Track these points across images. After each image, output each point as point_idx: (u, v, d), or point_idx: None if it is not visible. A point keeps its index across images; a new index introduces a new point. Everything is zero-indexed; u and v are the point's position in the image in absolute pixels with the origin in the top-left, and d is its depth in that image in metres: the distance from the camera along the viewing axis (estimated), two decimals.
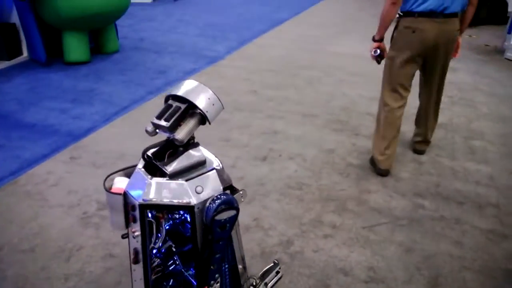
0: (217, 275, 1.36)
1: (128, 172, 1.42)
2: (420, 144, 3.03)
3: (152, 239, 1.34)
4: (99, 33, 4.91)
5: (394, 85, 2.62)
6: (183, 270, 1.46)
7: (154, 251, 1.40)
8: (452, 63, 4.28)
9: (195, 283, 1.41)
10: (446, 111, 3.75)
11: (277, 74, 4.57)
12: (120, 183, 1.38)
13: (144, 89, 4.04)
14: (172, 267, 1.47)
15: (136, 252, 1.36)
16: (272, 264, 1.73)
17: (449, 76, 4.68)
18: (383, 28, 2.52)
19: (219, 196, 1.25)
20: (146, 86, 4.12)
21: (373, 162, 2.79)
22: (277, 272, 1.70)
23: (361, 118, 3.58)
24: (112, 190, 1.36)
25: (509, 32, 5.45)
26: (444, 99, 3.97)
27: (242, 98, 3.87)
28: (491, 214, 2.42)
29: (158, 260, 1.44)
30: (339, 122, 3.51)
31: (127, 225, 1.36)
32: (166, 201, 1.25)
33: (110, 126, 3.39)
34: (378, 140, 2.73)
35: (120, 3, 4.66)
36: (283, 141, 3.19)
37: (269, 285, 1.64)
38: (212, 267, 1.32)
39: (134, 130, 3.25)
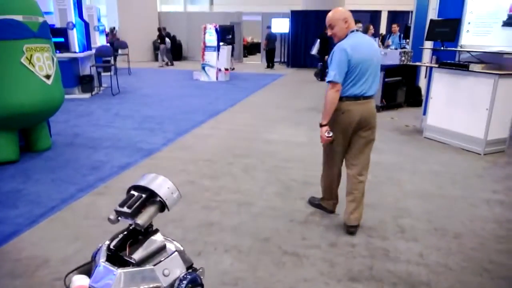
0: None
1: (83, 270, 1.49)
2: (352, 227, 3.15)
3: None
4: (29, 131, 4.78)
5: (336, 156, 3.15)
6: None
7: None
8: (377, 144, 4.51)
9: None
10: (374, 192, 3.94)
11: (214, 163, 4.64)
12: (79, 280, 1.41)
13: (74, 187, 3.87)
14: None
15: None
16: None
17: (375, 157, 5.02)
18: (328, 114, 2.92)
19: (185, 276, 1.39)
20: (77, 184, 3.96)
21: (321, 207, 3.45)
22: None
23: (295, 204, 3.65)
24: None
25: (424, 114, 6.09)
26: (371, 179, 4.25)
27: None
28: None
29: None
30: (274, 209, 3.54)
31: None
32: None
33: (35, 229, 3.13)
34: (327, 196, 3.37)
35: (53, 102, 4.64)
36: (219, 233, 3.13)
37: None
38: None
39: (61, 232, 3.04)
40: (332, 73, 2.85)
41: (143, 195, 1.44)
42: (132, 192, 1.47)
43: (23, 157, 4.63)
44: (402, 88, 7.94)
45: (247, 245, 2.96)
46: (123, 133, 5.89)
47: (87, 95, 8.71)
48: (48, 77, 4.56)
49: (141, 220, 1.38)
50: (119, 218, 1.42)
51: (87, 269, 1.47)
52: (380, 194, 3.89)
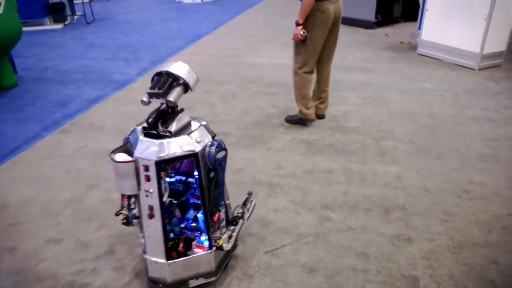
0: (223, 202, 1.79)
1: (122, 149, 1.68)
2: (321, 109, 3.61)
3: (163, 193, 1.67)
4: None
5: (311, 55, 3.24)
6: (176, 223, 1.85)
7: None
8: (367, 64, 4.70)
9: (188, 233, 1.86)
10: (359, 114, 3.74)
11: (190, 92, 4.37)
12: (121, 157, 1.61)
13: (40, 125, 3.68)
14: (173, 219, 1.84)
15: (151, 208, 1.66)
16: (248, 195, 2.05)
17: (364, 77, 4.77)
18: (305, 13, 3.05)
19: (213, 142, 1.68)
20: (43, 122, 3.76)
21: (301, 121, 3.51)
22: (252, 201, 2.04)
23: (274, 131, 3.47)
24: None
25: (419, 28, 5.66)
26: (357, 101, 4.03)
27: None
28: (397, 217, 2.36)
29: (165, 214, 1.72)
30: (251, 138, 3.37)
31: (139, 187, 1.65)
32: (177, 152, 1.60)
33: None
34: (305, 104, 3.42)
35: (6, 34, 4.22)
36: None
37: (250, 210, 2.00)
38: (219, 196, 1.75)
39: (22, 174, 2.91)
40: None
41: (169, 79, 1.63)
42: (158, 77, 1.65)
43: None
44: (399, 1, 7.34)
45: None
46: (96, 64, 5.55)
47: (59, 26, 8.13)
48: None
49: (172, 97, 1.60)
50: (151, 99, 1.63)
51: (124, 149, 1.67)
52: (365, 116, 3.69)
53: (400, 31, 6.92)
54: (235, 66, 5.26)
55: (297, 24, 3.10)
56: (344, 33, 7.07)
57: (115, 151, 1.66)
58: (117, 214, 1.84)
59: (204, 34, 7.06)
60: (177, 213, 1.84)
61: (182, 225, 1.86)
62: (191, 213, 1.87)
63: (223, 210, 1.79)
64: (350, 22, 7.39)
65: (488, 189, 2.61)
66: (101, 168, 2.94)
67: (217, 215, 1.76)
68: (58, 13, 8.20)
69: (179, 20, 8.44)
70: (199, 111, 3.91)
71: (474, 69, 4.85)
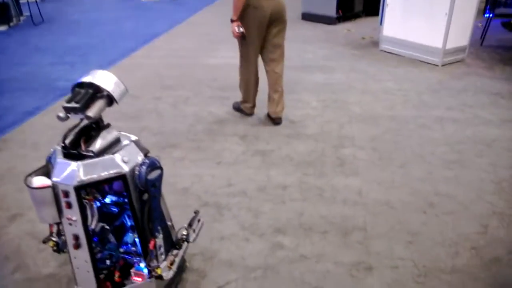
0: (159, 227, 1.58)
1: (39, 173, 1.48)
2: (276, 112, 3.39)
3: (88, 221, 1.48)
4: None
5: (252, 53, 3.18)
6: (114, 247, 1.64)
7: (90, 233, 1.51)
8: (328, 62, 4.63)
9: (129, 258, 1.65)
10: (318, 118, 3.49)
11: (137, 100, 4.00)
12: (39, 181, 1.41)
13: None
14: (107, 245, 1.63)
15: (76, 237, 1.47)
16: (194, 213, 1.84)
17: (324, 77, 4.52)
18: (238, 9, 2.98)
19: (144, 162, 1.48)
20: None
21: (239, 109, 3.58)
22: (199, 220, 1.83)
23: (226, 141, 3.16)
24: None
25: (381, 24, 5.47)
26: (316, 104, 3.78)
27: None
28: (356, 240, 2.11)
29: (96, 241, 1.57)
30: (201, 150, 3.05)
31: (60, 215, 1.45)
32: (101, 175, 1.40)
33: None
34: (246, 98, 3.46)
35: None
36: None
37: (196, 231, 1.79)
38: (154, 221, 1.55)
39: None
40: None
41: (90, 90, 1.44)
42: (77, 89, 1.45)
43: None
44: None
45: None
46: (39, 70, 5.06)
47: (3, 27, 7.50)
48: None
49: (92, 112, 1.40)
50: (69, 114, 1.42)
51: (44, 172, 1.49)
52: (324, 121, 3.44)
53: (362, 27, 6.73)
54: (189, 68, 4.91)
55: (232, 21, 3.06)
56: (304, 29, 6.88)
57: (33, 174, 1.47)
58: (45, 242, 1.64)
59: (159, 33, 6.64)
60: (112, 238, 1.63)
61: (122, 250, 1.66)
62: (129, 236, 1.67)
63: (161, 236, 1.58)
64: (311, 17, 7.17)
65: (455, 201, 2.40)
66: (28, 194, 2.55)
67: (152, 242, 1.55)
68: (1, 14, 7.56)
69: (134, 19, 7.97)
70: (146, 121, 3.55)
71: (437, 65, 4.70)
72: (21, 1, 8.36)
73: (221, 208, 2.40)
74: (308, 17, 7.24)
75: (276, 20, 3.09)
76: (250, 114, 3.56)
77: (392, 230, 2.18)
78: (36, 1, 8.25)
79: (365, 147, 3.01)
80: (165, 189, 2.58)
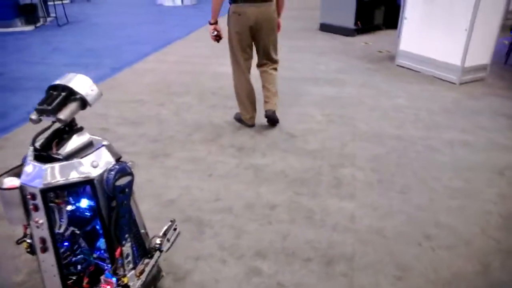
0: (127, 235, 1.53)
1: (13, 173, 1.46)
2: (269, 111, 3.35)
3: (56, 224, 1.45)
4: None
5: (239, 59, 3.21)
6: (88, 252, 1.60)
7: (58, 237, 1.48)
8: (340, 75, 4.53)
9: (102, 264, 1.61)
10: (320, 134, 3.34)
11: (143, 104, 3.97)
12: (10, 181, 1.40)
13: None
14: (78, 251, 1.59)
15: (43, 240, 1.44)
16: (170, 222, 1.81)
17: (333, 91, 4.38)
18: (215, 13, 3.08)
19: (113, 167, 1.43)
20: None
21: (240, 120, 3.49)
22: (175, 229, 1.81)
23: (222, 153, 3.06)
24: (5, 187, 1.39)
25: (398, 36, 5.28)
26: (321, 118, 3.64)
27: None
28: (340, 272, 1.95)
29: (65, 246, 1.54)
30: (194, 161, 2.96)
31: (28, 218, 1.43)
32: (68, 179, 1.37)
33: None
34: (242, 109, 3.40)
35: None
36: None
37: (171, 240, 1.77)
38: (122, 228, 1.49)
39: None
40: None
41: (63, 93, 1.43)
42: (51, 91, 1.44)
43: None
44: (381, 8, 6.97)
45: (144, 208, 2.41)
46: (53, 70, 5.12)
47: (30, 27, 7.73)
48: None
49: (63, 115, 1.39)
50: (41, 117, 1.41)
51: (18, 172, 1.45)
52: (327, 137, 3.29)
53: (380, 40, 6.54)
54: (199, 75, 4.86)
55: (210, 23, 3.16)
56: (321, 40, 6.74)
57: (5, 174, 1.45)
58: (18, 243, 1.62)
59: (175, 39, 6.65)
60: (83, 243, 1.60)
61: (95, 255, 1.63)
62: (103, 242, 1.60)
63: (129, 245, 1.55)
64: (329, 29, 7.03)
65: (456, 234, 2.21)
66: None
67: (118, 250, 1.51)
68: (29, 15, 7.79)
69: (153, 23, 8.05)
70: (146, 127, 3.50)
71: (455, 83, 4.47)
72: (49, 3, 8.61)
73: (203, 225, 2.29)
74: (326, 28, 7.11)
75: (263, 28, 3.10)
76: (250, 125, 3.46)
77: (381, 262, 2.02)
78: (62, 3, 8.46)
79: (365, 167, 2.85)
80: (150, 199, 2.54)
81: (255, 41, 3.21)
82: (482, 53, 4.42)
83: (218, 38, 3.18)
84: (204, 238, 2.19)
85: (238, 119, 3.55)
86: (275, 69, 3.38)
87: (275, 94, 3.35)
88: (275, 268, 1.98)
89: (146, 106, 3.95)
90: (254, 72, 3.37)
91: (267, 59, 3.31)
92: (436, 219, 2.32)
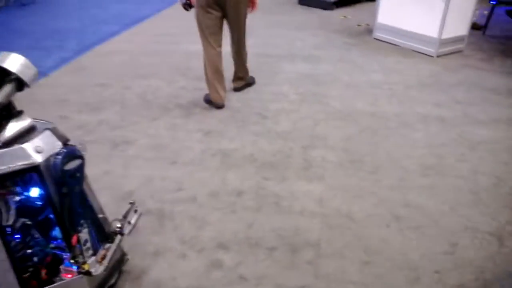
0: (82, 221, 1.46)
1: None
2: (235, 81, 3.61)
3: (3, 217, 1.37)
4: None
5: (205, 33, 3.16)
6: (43, 243, 1.52)
7: (9, 229, 1.40)
8: (316, 51, 4.36)
9: (61, 253, 1.53)
10: (292, 114, 3.21)
11: (106, 89, 3.76)
12: None
13: None
14: (32, 242, 1.50)
15: None
16: (130, 204, 1.74)
17: (309, 68, 4.22)
18: None
19: (60, 151, 1.35)
20: None
21: (210, 101, 3.37)
22: (136, 211, 1.74)
23: (188, 138, 2.92)
24: None
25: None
26: (294, 97, 3.50)
27: None
28: (306, 260, 1.87)
29: (17, 238, 1.45)
30: (158, 148, 2.82)
31: None
32: (10, 167, 1.28)
33: None
34: (211, 88, 3.29)
35: None
36: None
37: (132, 222, 1.70)
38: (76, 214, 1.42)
39: None
40: None
41: None
42: None
43: None
44: None
45: (103, 200, 2.28)
46: None
47: None
48: None
49: None
50: None
51: None
52: (299, 117, 3.17)
53: (360, 13, 6.35)
54: (168, 55, 4.64)
55: None
56: (299, 15, 6.51)
57: None
58: None
59: (145, 17, 6.35)
60: (36, 234, 1.52)
61: (52, 245, 1.55)
62: (58, 231, 1.51)
63: (85, 230, 1.47)
64: (308, 2, 6.81)
65: (424, 214, 2.13)
66: None
67: (75, 237, 1.44)
68: None
69: (122, 1, 7.66)
70: (107, 113, 3.31)
71: (433, 56, 4.36)
72: None
73: (163, 217, 2.17)
74: (304, 1, 6.87)
75: (229, 5, 3.04)
76: (219, 106, 3.33)
77: (348, 247, 1.94)
78: None
79: (337, 148, 2.75)
80: (107, 192, 2.38)
81: (225, 17, 3.15)
82: (460, 24, 4.30)
83: (187, 6, 3.10)
84: (164, 231, 2.07)
85: (207, 100, 3.40)
86: (242, 44, 3.41)
87: (244, 63, 3.51)
88: (238, 259, 1.88)
89: (110, 90, 3.75)
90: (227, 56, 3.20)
91: (236, 34, 3.28)
92: (405, 199, 2.25)
